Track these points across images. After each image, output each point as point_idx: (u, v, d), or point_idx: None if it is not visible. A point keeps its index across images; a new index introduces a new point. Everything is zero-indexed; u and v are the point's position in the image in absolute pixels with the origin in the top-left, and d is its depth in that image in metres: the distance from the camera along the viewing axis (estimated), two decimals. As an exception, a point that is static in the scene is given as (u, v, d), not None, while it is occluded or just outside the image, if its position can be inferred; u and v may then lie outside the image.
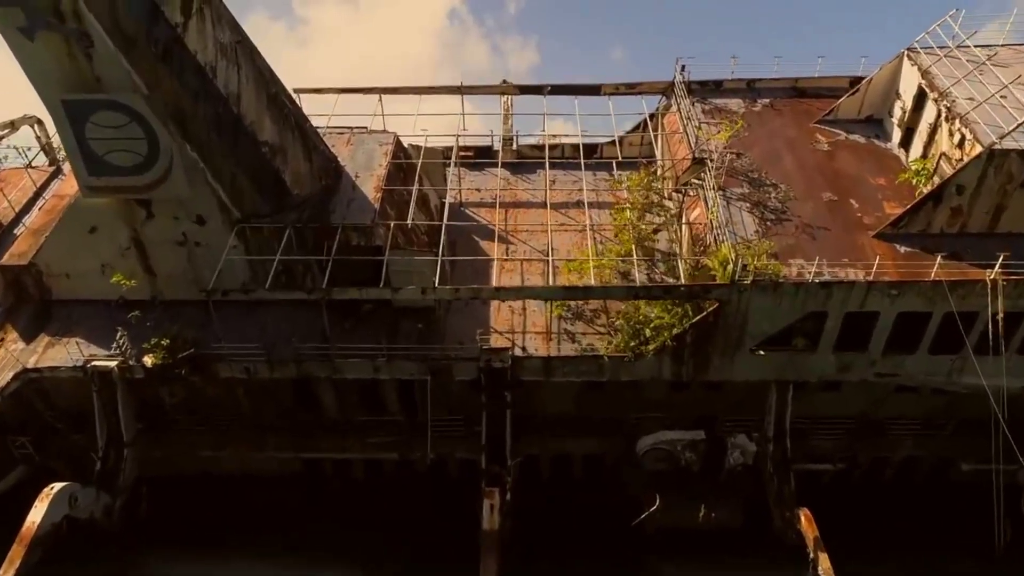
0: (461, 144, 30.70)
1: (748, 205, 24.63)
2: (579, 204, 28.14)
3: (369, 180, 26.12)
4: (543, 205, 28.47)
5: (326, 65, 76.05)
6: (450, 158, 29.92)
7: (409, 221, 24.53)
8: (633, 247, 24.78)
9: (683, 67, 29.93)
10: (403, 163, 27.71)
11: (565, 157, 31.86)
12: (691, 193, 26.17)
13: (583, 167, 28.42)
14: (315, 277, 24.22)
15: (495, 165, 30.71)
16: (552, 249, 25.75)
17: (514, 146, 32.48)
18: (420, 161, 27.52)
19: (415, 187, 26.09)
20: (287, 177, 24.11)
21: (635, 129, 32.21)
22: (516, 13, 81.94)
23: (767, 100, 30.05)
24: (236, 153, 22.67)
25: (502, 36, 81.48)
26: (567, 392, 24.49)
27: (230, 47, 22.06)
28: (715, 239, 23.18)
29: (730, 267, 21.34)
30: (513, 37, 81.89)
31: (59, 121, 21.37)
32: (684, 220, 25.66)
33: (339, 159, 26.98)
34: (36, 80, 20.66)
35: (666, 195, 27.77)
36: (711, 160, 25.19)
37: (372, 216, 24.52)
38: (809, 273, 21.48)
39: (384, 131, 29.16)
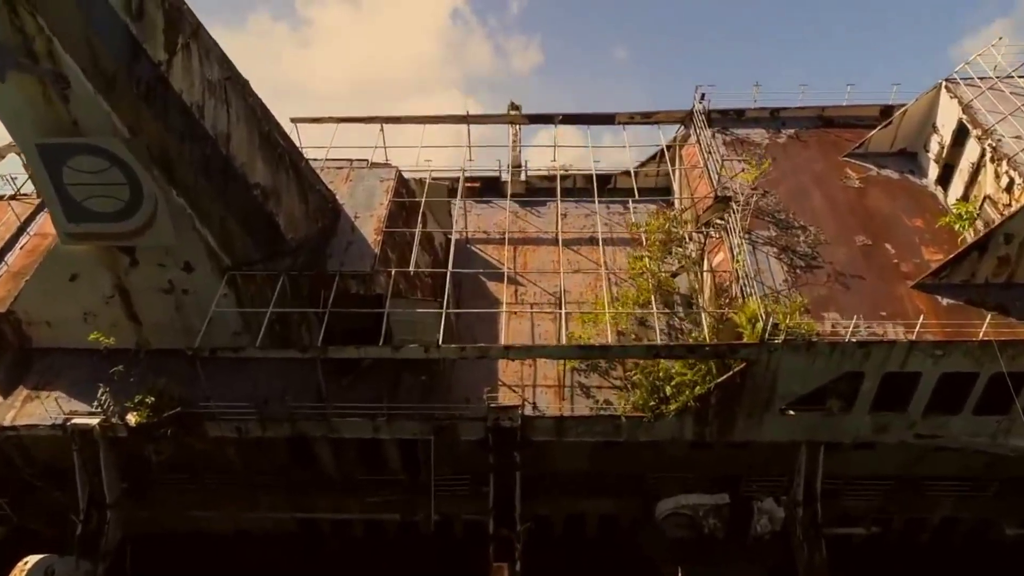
0: (467, 175, 29.09)
1: (775, 250, 22.91)
2: (592, 240, 26.54)
3: (369, 221, 24.45)
4: (554, 242, 26.92)
5: (329, 65, 75.04)
6: (455, 191, 28.34)
7: (411, 268, 22.91)
8: (652, 297, 23.04)
9: (703, 95, 28.21)
10: (405, 201, 26.02)
11: (577, 188, 30.30)
12: (713, 234, 24.44)
13: (596, 200, 26.84)
14: (311, 327, 22.64)
15: (503, 197, 29.09)
16: (564, 291, 24.21)
17: (523, 177, 30.84)
18: (424, 199, 25.81)
19: (418, 229, 24.45)
20: (281, 221, 22.51)
21: (651, 160, 30.51)
22: (519, 13, 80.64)
23: (792, 130, 28.31)
24: (226, 197, 21.08)
25: (505, 36, 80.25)
26: (581, 450, 22.82)
27: (219, 84, 20.44)
28: (741, 290, 21.47)
29: (759, 324, 19.63)
30: (516, 37, 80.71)
31: (34, 166, 19.91)
32: (707, 266, 23.92)
33: (337, 196, 25.33)
34: (8, 123, 19.27)
35: (686, 235, 26.00)
36: (736, 202, 23.46)
37: (372, 262, 22.87)
38: (845, 330, 19.76)
39: (386, 164, 27.52)
